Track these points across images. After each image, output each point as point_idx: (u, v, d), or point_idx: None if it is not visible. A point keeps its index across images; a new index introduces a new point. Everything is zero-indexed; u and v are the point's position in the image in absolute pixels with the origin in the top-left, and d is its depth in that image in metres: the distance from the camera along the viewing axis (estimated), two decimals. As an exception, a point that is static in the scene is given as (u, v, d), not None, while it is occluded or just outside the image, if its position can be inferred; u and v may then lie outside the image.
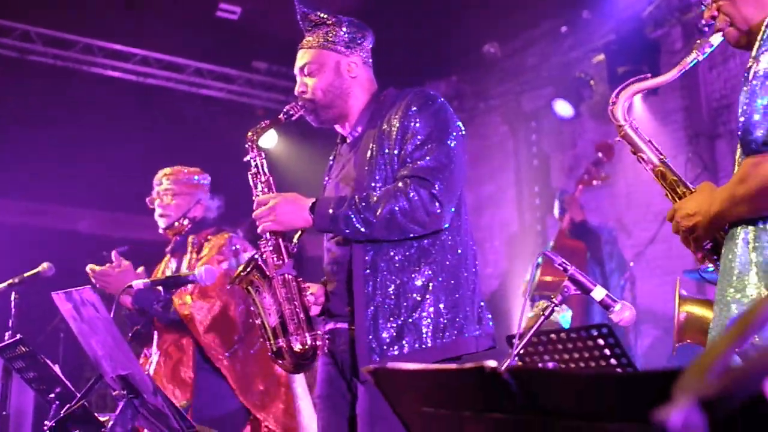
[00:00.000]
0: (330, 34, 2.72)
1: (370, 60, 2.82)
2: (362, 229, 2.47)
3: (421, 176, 2.47)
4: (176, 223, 3.84)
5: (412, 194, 2.44)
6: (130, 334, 2.95)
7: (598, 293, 2.03)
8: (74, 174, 7.24)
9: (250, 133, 2.70)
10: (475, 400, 1.03)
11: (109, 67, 7.70)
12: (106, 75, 7.68)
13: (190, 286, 3.51)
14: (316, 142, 7.60)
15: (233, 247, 3.75)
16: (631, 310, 2.05)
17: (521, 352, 2.92)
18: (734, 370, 0.59)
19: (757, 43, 1.76)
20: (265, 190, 2.67)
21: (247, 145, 2.70)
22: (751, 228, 1.72)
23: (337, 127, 2.83)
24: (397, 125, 2.57)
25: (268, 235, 2.62)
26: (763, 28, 1.77)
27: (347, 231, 2.49)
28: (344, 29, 2.73)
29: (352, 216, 2.46)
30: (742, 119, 1.68)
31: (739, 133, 1.72)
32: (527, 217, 8.29)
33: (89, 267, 3.48)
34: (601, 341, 3.05)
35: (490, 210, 8.54)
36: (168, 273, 3.82)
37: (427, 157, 2.50)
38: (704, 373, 0.60)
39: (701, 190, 1.96)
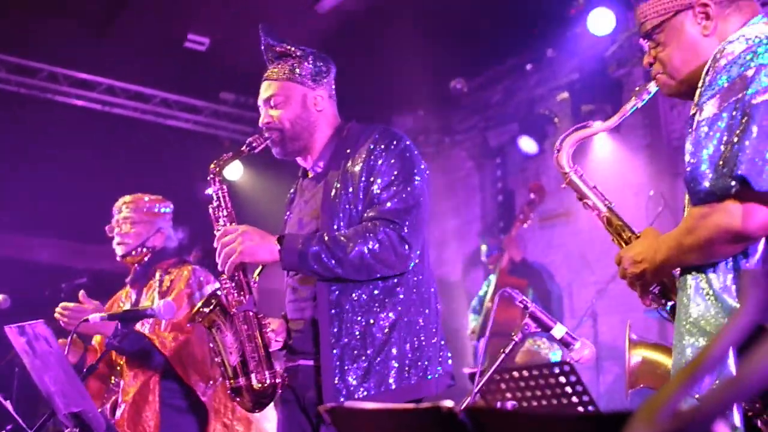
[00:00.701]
0: (296, 67, 2.70)
1: (334, 94, 2.82)
2: (332, 268, 2.44)
3: (389, 218, 2.47)
4: (134, 252, 3.77)
5: (381, 236, 2.44)
6: (84, 370, 2.89)
7: (558, 331, 2.04)
8: (34, 203, 7.13)
9: (212, 165, 2.65)
10: (431, 440, 1.02)
11: (74, 95, 7.64)
12: (70, 103, 7.62)
13: (163, 323, 3.45)
14: (282, 174, 7.60)
15: (199, 279, 3.69)
16: (591, 348, 2.05)
17: (484, 389, 2.91)
18: (684, 412, 0.59)
19: (698, 91, 1.80)
20: (227, 223, 2.61)
21: (209, 177, 2.65)
22: (701, 276, 1.76)
23: (300, 160, 2.81)
24: (362, 165, 2.57)
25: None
26: (702, 75, 1.80)
27: (315, 268, 2.46)
28: (310, 62, 2.72)
29: (322, 254, 2.43)
30: (688, 169, 1.71)
31: (686, 182, 1.75)
32: (492, 253, 8.32)
33: (61, 306, 3.35)
34: (563, 379, 3.06)
35: (455, 244, 8.56)
36: (128, 304, 3.74)
37: (395, 199, 2.50)
38: (654, 415, 0.60)
39: (646, 236, 1.99)
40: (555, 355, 4.10)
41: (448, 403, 0.97)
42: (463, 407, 0.97)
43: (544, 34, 7.08)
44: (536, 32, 7.09)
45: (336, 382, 2.42)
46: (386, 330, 2.47)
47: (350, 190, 2.56)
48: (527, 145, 7.70)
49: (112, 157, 7.49)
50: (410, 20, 6.79)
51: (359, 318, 2.47)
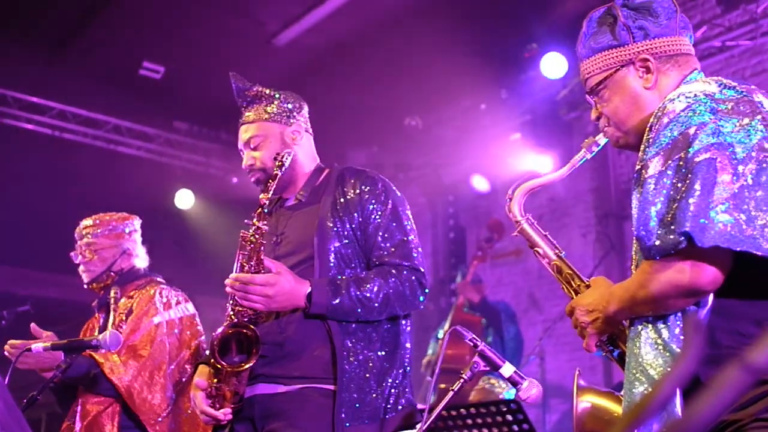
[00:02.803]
0: (270, 107, 2.78)
1: (310, 128, 2.89)
2: (360, 316, 2.53)
3: (407, 263, 2.61)
4: (100, 278, 3.60)
5: (404, 279, 2.57)
6: (24, 401, 2.80)
7: (507, 370, 2.06)
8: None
9: (265, 195, 2.60)
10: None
11: (24, 119, 7.52)
12: (20, 127, 7.49)
13: (121, 346, 3.28)
14: (231, 204, 7.56)
15: (164, 300, 3.53)
16: (538, 388, 2.07)
17: (432, 426, 2.91)
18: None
19: (642, 146, 1.85)
20: (252, 263, 2.56)
21: (257, 210, 2.58)
22: (650, 326, 1.80)
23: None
24: (355, 206, 2.66)
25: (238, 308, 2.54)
26: (646, 132, 1.86)
27: (340, 317, 2.53)
28: (282, 101, 2.80)
29: (350, 306, 2.50)
30: (638, 225, 1.76)
31: (636, 238, 1.79)
32: (442, 289, 8.36)
33: (9, 344, 3.19)
34: (510, 417, 3.08)
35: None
36: (96, 331, 3.55)
37: (405, 245, 2.64)
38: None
39: (596, 285, 2.03)
40: (509, 394, 4.12)
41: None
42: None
43: (499, 75, 7.22)
44: (491, 74, 7.22)
45: (341, 413, 2.44)
46: (382, 364, 2.55)
47: (345, 223, 2.64)
48: (480, 183, 7.80)
49: (61, 183, 7.37)
50: (367, 56, 6.86)
51: (362, 350, 2.54)
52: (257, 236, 2.54)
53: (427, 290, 2.65)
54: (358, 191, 2.68)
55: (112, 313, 3.47)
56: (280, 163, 2.64)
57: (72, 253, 3.64)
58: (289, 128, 2.79)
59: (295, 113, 2.81)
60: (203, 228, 8.17)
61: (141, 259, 3.67)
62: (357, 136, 8.14)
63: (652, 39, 1.98)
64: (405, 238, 2.65)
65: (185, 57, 7.09)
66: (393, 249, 2.62)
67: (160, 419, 3.31)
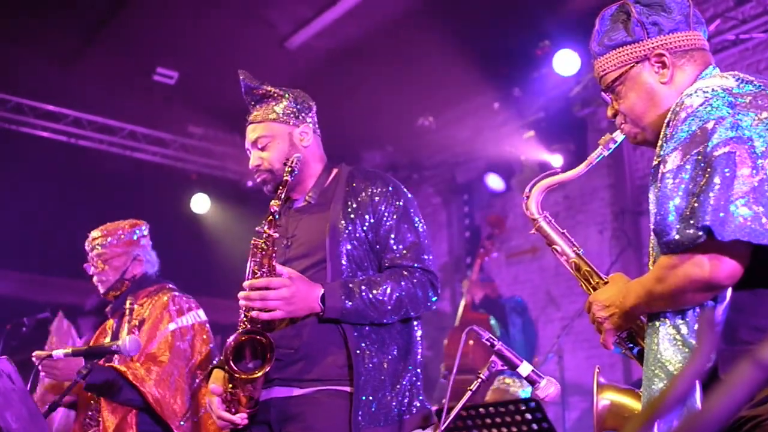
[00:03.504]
0: (278, 107, 2.75)
1: (318, 129, 2.86)
2: (373, 318, 2.53)
3: (419, 264, 2.61)
4: (113, 288, 3.62)
5: (416, 280, 2.58)
6: (46, 407, 2.82)
7: (525, 369, 2.06)
8: (-4, 234, 7.04)
9: (276, 202, 2.57)
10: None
11: (40, 127, 7.59)
12: (36, 135, 7.56)
13: (141, 353, 3.33)
14: (247, 208, 7.58)
15: (180, 306, 3.55)
16: (556, 386, 2.07)
17: (451, 426, 2.91)
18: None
19: (660, 142, 1.84)
20: (265, 269, 2.54)
21: (269, 216, 2.56)
22: (669, 322, 1.79)
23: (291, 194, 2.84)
24: (366, 207, 2.65)
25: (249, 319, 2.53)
26: (663, 127, 1.85)
27: (353, 320, 2.53)
28: (291, 101, 2.77)
29: (363, 309, 2.50)
30: (657, 219, 1.75)
31: (654, 232, 1.78)
32: (458, 288, 8.36)
33: (36, 354, 3.21)
34: (528, 415, 3.07)
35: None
36: (109, 336, 3.60)
37: (417, 246, 2.64)
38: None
39: (614, 281, 2.02)
40: (525, 392, 4.11)
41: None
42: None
43: (512, 73, 7.21)
44: (504, 72, 7.21)
45: (358, 415, 2.44)
46: (397, 365, 2.56)
47: (357, 225, 2.63)
48: (494, 182, 7.79)
49: (77, 189, 7.43)
50: (380, 57, 6.87)
51: (377, 352, 2.54)
52: (268, 244, 2.52)
53: (438, 291, 2.66)
54: (369, 193, 2.67)
55: (126, 325, 3.50)
56: (290, 169, 2.62)
57: (86, 265, 3.68)
58: (298, 129, 2.75)
59: (303, 114, 2.78)
60: (219, 232, 8.20)
61: (152, 265, 3.70)
62: (371, 137, 8.15)
63: (666, 34, 1.97)
64: (417, 240, 2.65)
65: (198, 62, 7.12)
66: (405, 251, 2.62)
67: (182, 423, 3.35)
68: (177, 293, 3.62)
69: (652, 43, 1.98)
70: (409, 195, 2.78)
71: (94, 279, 3.65)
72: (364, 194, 2.67)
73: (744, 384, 0.58)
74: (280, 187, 2.61)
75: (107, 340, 3.54)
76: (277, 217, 2.56)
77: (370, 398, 2.47)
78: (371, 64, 6.92)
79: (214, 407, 2.58)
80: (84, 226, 3.94)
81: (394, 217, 2.65)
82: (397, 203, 2.67)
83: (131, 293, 3.60)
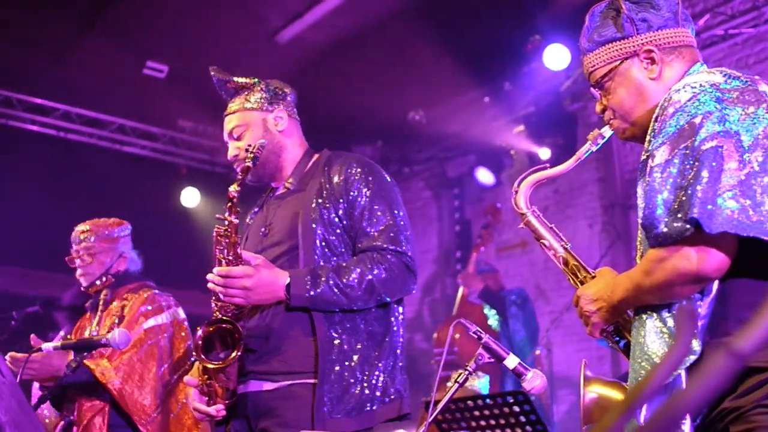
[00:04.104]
0: (251, 96, 2.77)
1: (296, 114, 2.86)
2: (341, 304, 2.49)
3: (392, 246, 2.56)
4: (98, 281, 3.69)
5: (388, 264, 2.53)
6: (35, 401, 2.83)
7: (511, 361, 2.07)
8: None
9: (234, 187, 2.53)
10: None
11: (29, 120, 7.56)
12: (25, 128, 7.53)
13: (109, 349, 3.37)
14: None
15: (160, 303, 3.60)
16: (543, 379, 2.09)
17: (438, 418, 2.93)
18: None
19: (648, 137, 1.86)
20: (230, 257, 2.52)
21: (227, 204, 2.53)
22: (656, 315, 1.81)
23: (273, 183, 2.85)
24: (341, 191, 2.62)
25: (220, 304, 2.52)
26: (651, 122, 1.87)
27: (323, 307, 2.49)
28: (263, 88, 2.79)
29: (333, 296, 2.46)
30: (644, 213, 1.77)
31: (642, 226, 1.80)
32: (449, 282, 8.38)
33: (9, 355, 3.24)
34: (516, 408, 3.09)
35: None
36: (87, 331, 3.65)
37: (393, 229, 2.59)
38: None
39: (602, 275, 2.05)
40: (482, 384, 4.14)
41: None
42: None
43: (502, 68, 7.22)
44: (494, 66, 7.22)
45: (324, 403, 2.43)
46: (370, 353, 2.53)
47: (330, 209, 2.60)
48: (484, 176, 7.81)
49: (67, 183, 7.40)
50: (370, 51, 6.87)
51: (348, 340, 2.51)
52: (230, 231, 2.50)
53: (416, 274, 2.60)
54: (343, 176, 2.65)
55: (98, 314, 3.55)
56: (252, 155, 2.59)
57: (67, 258, 3.71)
58: (272, 114, 2.76)
59: (277, 99, 2.79)
60: (209, 226, 8.18)
61: (135, 263, 3.76)
62: (361, 131, 8.15)
63: (655, 31, 1.99)
64: (391, 222, 2.60)
65: (188, 55, 7.10)
66: (378, 233, 2.57)
67: (151, 419, 3.39)
68: (156, 291, 3.68)
69: (642, 39, 2.00)
70: (388, 178, 2.74)
71: (78, 272, 3.69)
72: (338, 178, 2.65)
73: (718, 373, 0.59)
74: (240, 173, 2.58)
75: (87, 333, 3.59)
76: (235, 202, 2.53)
77: (336, 388, 2.45)
78: (362, 58, 6.93)
79: (190, 399, 2.60)
80: (74, 221, 3.95)
81: (367, 199, 2.61)
82: (371, 185, 2.64)
83: (111, 288, 3.65)
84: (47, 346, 2.93)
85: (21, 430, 2.25)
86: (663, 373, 0.66)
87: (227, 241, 2.52)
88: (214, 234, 2.54)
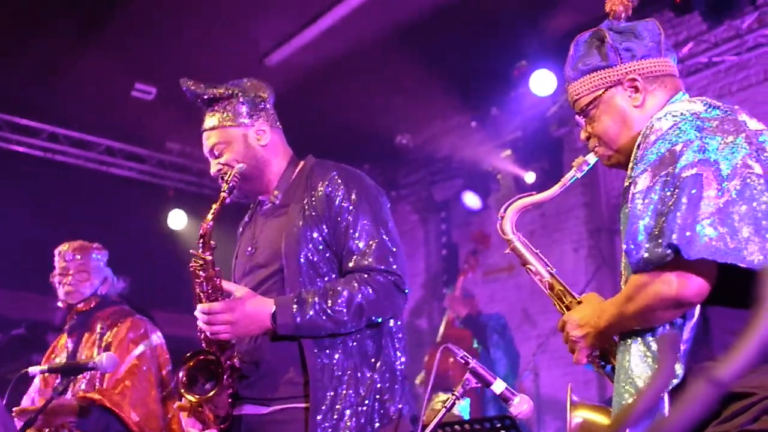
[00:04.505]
0: (228, 109, 2.65)
1: (278, 122, 2.75)
2: (329, 330, 2.42)
3: (380, 266, 2.47)
4: (84, 302, 3.67)
5: (377, 284, 2.44)
6: (23, 423, 2.81)
7: (498, 386, 2.08)
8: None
9: (208, 220, 2.47)
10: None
11: (15, 141, 7.54)
12: (11, 149, 7.51)
13: (107, 377, 3.37)
14: (225, 223, 7.55)
15: (141, 331, 3.61)
16: (529, 403, 2.10)
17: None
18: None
19: (630, 164, 1.90)
20: (209, 290, 2.47)
21: (199, 240, 2.47)
22: (640, 339, 1.84)
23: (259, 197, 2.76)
24: (325, 205, 2.53)
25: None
26: (634, 150, 1.90)
27: (311, 334, 2.42)
28: (241, 99, 2.67)
29: (321, 322, 2.40)
30: (626, 238, 1.80)
31: (624, 251, 1.83)
32: (435, 305, 8.38)
33: (16, 410, 3.22)
34: (503, 432, 3.09)
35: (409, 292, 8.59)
36: (64, 353, 3.62)
37: (379, 246, 2.49)
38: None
39: (588, 301, 2.07)
40: (462, 407, 4.14)
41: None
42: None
43: (489, 93, 7.28)
44: (481, 91, 7.28)
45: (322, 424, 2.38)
46: (368, 372, 2.46)
47: (313, 228, 2.52)
48: (471, 200, 7.84)
49: (54, 205, 7.38)
50: (358, 74, 6.91)
51: (341, 364, 2.45)
52: (206, 267, 2.45)
53: (406, 291, 2.52)
54: (324, 189, 2.54)
55: (97, 339, 3.52)
56: (226, 186, 2.54)
57: (53, 274, 3.69)
58: (253, 128, 2.65)
59: (257, 111, 2.67)
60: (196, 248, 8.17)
61: (114, 287, 3.80)
62: (348, 154, 8.11)
63: (639, 60, 2.03)
64: (377, 238, 2.50)
65: (177, 77, 7.09)
66: (364, 252, 2.47)
67: None
68: (137, 316, 3.69)
69: (626, 68, 2.03)
70: (372, 188, 2.62)
71: (66, 288, 3.65)
72: (320, 192, 2.55)
73: (699, 401, 0.61)
74: (217, 203, 2.51)
75: (59, 359, 3.57)
76: (208, 239, 2.47)
77: (330, 414, 2.39)
78: (350, 81, 6.96)
79: (184, 425, 2.56)
80: (59, 242, 3.94)
81: (351, 214, 2.50)
82: (355, 198, 2.53)
83: (97, 312, 3.65)
84: (34, 369, 2.91)
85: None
86: (648, 398, 0.68)
87: (204, 275, 2.46)
88: (191, 269, 2.48)
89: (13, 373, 3.15)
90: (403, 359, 2.57)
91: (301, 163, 2.72)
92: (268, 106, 2.73)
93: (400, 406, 2.50)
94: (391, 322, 2.57)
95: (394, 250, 2.54)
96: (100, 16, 6.33)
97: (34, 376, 3.04)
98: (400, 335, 2.59)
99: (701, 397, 0.60)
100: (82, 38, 6.61)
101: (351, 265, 2.49)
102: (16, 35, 6.40)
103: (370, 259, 2.47)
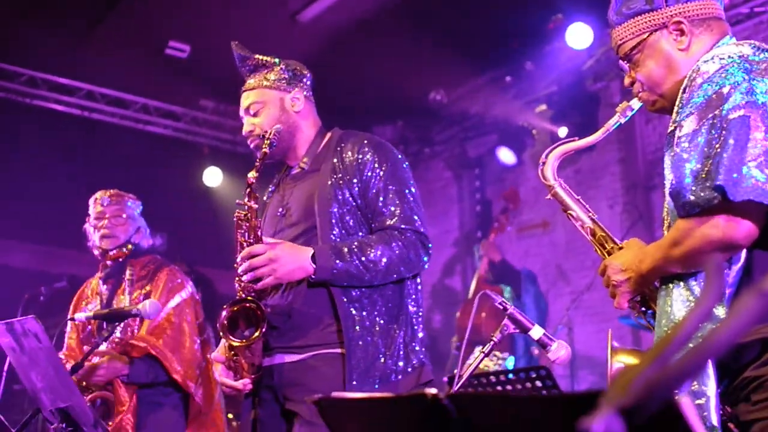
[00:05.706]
0: (270, 74, 2.83)
1: (312, 95, 2.92)
2: (363, 280, 2.56)
3: (407, 224, 2.63)
4: (120, 247, 3.72)
5: (406, 240, 2.60)
6: (69, 367, 2.89)
7: (536, 332, 2.10)
8: (10, 207, 7.09)
9: (253, 174, 2.62)
10: (417, 426, 1.07)
11: (53, 100, 7.62)
12: (49, 108, 7.60)
13: (147, 323, 3.44)
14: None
15: (178, 280, 3.69)
16: (567, 349, 2.11)
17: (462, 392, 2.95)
18: (649, 381, 0.65)
19: (675, 108, 1.87)
20: (251, 240, 2.61)
21: (246, 189, 2.63)
22: (682, 283, 1.83)
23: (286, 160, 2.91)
24: (354, 171, 2.68)
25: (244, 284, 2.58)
26: (680, 94, 1.88)
27: (345, 282, 2.56)
28: (282, 68, 2.85)
29: (355, 271, 2.53)
30: (672, 183, 1.78)
31: (670, 195, 1.81)
32: (469, 262, 8.39)
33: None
34: (539, 383, 3.12)
35: (432, 253, 8.62)
36: (96, 300, 3.68)
37: (405, 207, 2.66)
38: (626, 386, 0.66)
39: (629, 246, 2.06)
40: (508, 363, 4.17)
41: (432, 390, 1.02)
42: (446, 394, 1.02)
43: (524, 47, 7.18)
44: (516, 46, 7.18)
45: (354, 379, 2.49)
46: (392, 324, 2.60)
47: (344, 189, 2.67)
48: (506, 156, 7.79)
49: (91, 163, 7.47)
50: (391, 31, 6.86)
51: (368, 315, 2.57)
52: (250, 215, 2.59)
53: (430, 251, 2.69)
54: (355, 156, 2.71)
55: (126, 293, 3.58)
56: (268, 141, 2.67)
57: (88, 222, 3.73)
58: (289, 95, 2.83)
59: (295, 80, 2.86)
60: (231, 205, 8.23)
61: (148, 239, 3.83)
62: (382, 111, 8.14)
63: (684, 3, 2.00)
64: (405, 202, 2.67)
65: (210, 35, 7.11)
66: (394, 213, 2.64)
67: (198, 382, 3.48)
68: (173, 266, 3.76)
69: (671, 11, 2.00)
70: (399, 156, 2.81)
71: (101, 232, 3.68)
72: (351, 158, 2.71)
73: (747, 313, 0.61)
74: (258, 160, 2.66)
75: (91, 306, 3.63)
76: (254, 188, 2.62)
77: (362, 361, 2.52)
78: (383, 38, 6.91)
79: (218, 374, 2.67)
80: (98, 199, 3.98)
81: (381, 180, 2.67)
82: (384, 165, 2.70)
83: (131, 258, 3.70)
84: (80, 316, 2.98)
85: (57, 395, 2.31)
86: (689, 326, 0.68)
87: (248, 224, 2.60)
88: (235, 218, 2.63)
89: (56, 326, 3.24)
90: (420, 313, 2.72)
91: (329, 134, 2.88)
92: (306, 80, 2.91)
93: (421, 356, 2.65)
94: (410, 279, 2.71)
95: (420, 212, 2.71)
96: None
97: (80, 322, 3.11)
98: (418, 288, 2.75)
99: (751, 309, 0.61)
100: (116, -3, 6.63)
101: (380, 225, 2.65)
102: (51, -6, 6.44)
103: (398, 220, 2.64)
